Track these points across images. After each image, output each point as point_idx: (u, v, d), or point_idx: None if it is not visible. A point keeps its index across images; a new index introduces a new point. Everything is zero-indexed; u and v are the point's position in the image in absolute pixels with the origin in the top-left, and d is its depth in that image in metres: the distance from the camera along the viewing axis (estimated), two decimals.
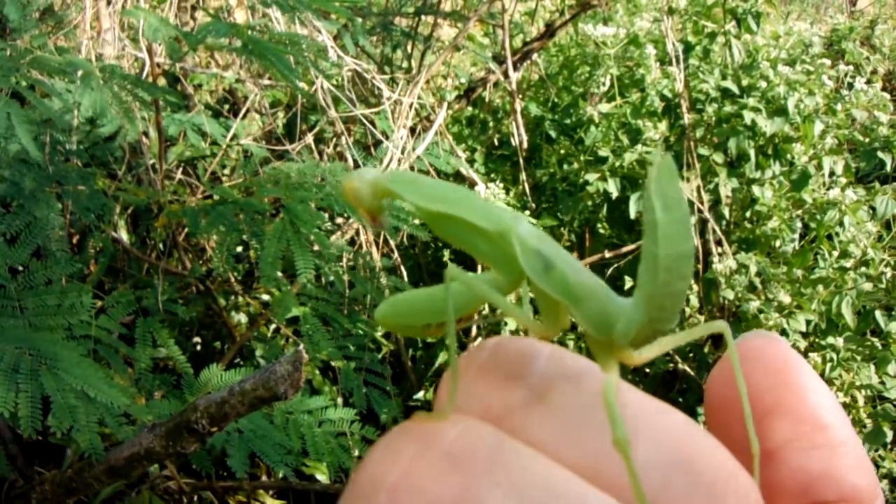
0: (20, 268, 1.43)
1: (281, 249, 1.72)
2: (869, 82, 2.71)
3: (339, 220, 2.16)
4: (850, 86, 2.64)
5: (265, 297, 2.01)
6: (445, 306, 0.33)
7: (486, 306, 0.39)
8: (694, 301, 2.43)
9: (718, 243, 2.44)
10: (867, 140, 2.60)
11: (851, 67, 2.76)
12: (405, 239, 2.33)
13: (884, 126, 2.53)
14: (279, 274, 1.95)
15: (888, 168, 2.51)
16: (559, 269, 0.32)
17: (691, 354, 2.48)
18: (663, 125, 2.53)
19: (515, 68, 2.48)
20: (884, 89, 3.40)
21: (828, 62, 2.67)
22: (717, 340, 2.48)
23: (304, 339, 1.90)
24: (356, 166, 2.14)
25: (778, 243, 2.42)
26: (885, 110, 2.70)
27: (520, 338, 0.32)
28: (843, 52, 2.88)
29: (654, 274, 0.29)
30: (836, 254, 2.27)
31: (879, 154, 2.53)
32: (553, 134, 2.69)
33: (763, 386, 0.29)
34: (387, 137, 2.17)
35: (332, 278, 2.03)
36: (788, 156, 2.52)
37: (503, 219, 0.33)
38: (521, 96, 2.64)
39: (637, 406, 0.27)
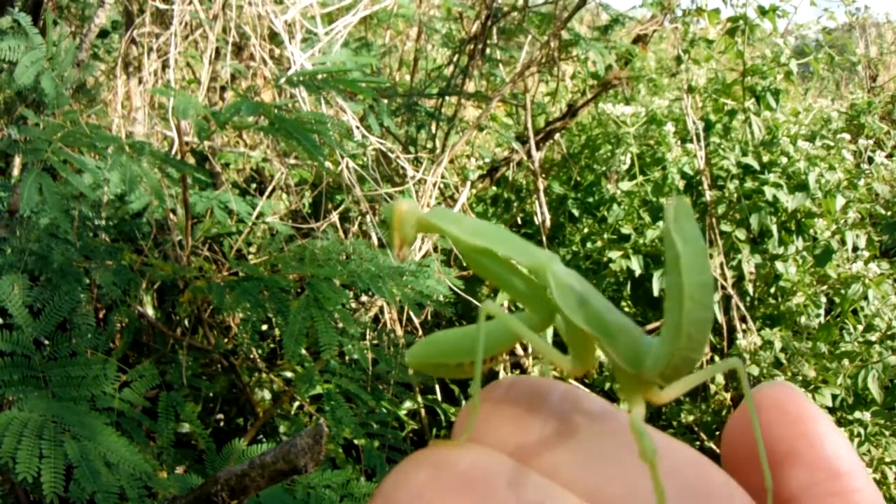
0: (45, 340, 1.43)
1: (305, 326, 1.71)
2: (890, 156, 2.70)
3: (364, 298, 2.15)
4: (871, 160, 2.63)
5: (289, 373, 2.00)
6: (473, 345, 0.34)
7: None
8: (719, 379, 2.39)
9: (742, 319, 2.40)
10: (889, 213, 2.58)
11: (871, 142, 2.75)
12: (429, 317, 2.31)
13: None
14: (303, 351, 1.94)
15: None
16: (592, 306, 0.33)
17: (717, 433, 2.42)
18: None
19: (538, 148, 2.50)
20: None
21: (848, 137, 2.67)
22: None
23: (327, 415, 1.88)
24: (381, 246, 2.15)
25: (803, 319, 2.38)
26: None
27: (535, 377, 0.33)
28: (862, 127, 2.88)
29: (680, 304, 0.30)
30: (860, 328, 2.23)
31: None
32: (576, 212, 2.69)
33: (779, 435, 0.30)
34: None
35: (355, 356, 2.02)
36: (811, 231, 2.51)
37: (538, 256, 0.34)
38: (543, 175, 2.65)
39: (655, 436, 0.27)
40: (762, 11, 2.63)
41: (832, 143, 2.66)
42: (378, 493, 0.26)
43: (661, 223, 2.48)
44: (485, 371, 0.34)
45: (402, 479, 0.26)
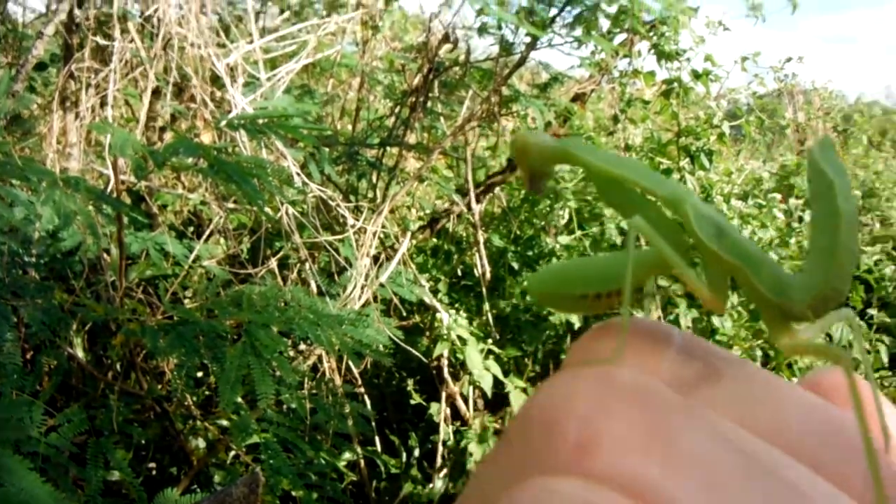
0: None
1: (241, 374, 1.68)
2: None
3: (302, 346, 2.12)
4: (801, 219, 2.70)
5: (224, 422, 1.94)
6: (616, 270, 0.33)
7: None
8: None
9: None
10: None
11: (801, 201, 2.83)
12: (369, 366, 2.29)
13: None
14: (239, 399, 1.89)
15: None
16: (733, 237, 0.32)
17: None
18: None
19: (478, 201, 2.51)
20: None
21: (778, 197, 2.74)
22: None
23: (264, 465, 1.83)
24: (319, 293, 2.13)
25: None
26: None
27: (647, 319, 0.31)
28: (792, 187, 2.96)
29: (835, 232, 0.29)
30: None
31: None
32: (516, 265, 2.70)
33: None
34: (350, 265, 2.16)
35: (293, 405, 1.98)
36: None
37: (676, 187, 0.33)
38: (483, 228, 2.67)
39: (777, 380, 0.27)
40: (696, 75, 2.71)
41: (764, 203, 2.73)
42: (537, 406, 0.25)
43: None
44: (613, 306, 0.34)
45: (567, 391, 0.24)
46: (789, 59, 3.41)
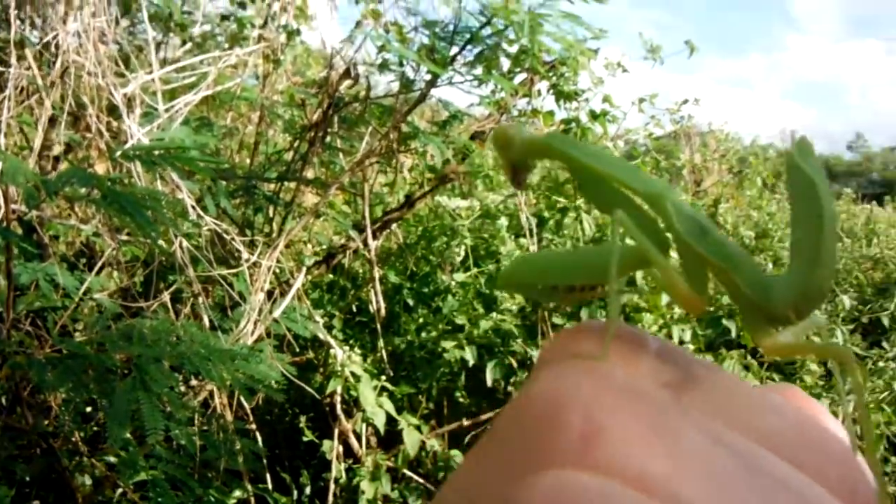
0: None
1: (130, 409, 1.72)
2: None
3: (194, 381, 2.18)
4: None
5: (112, 458, 1.98)
6: (593, 265, 0.35)
7: None
8: None
9: None
10: (713, 309, 2.84)
11: None
12: (261, 402, 2.35)
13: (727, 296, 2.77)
14: (128, 434, 1.94)
15: (733, 335, 2.74)
16: (715, 235, 0.33)
17: None
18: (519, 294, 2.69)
19: (375, 237, 2.62)
20: None
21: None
22: None
23: (151, 503, 1.88)
24: (212, 328, 2.19)
25: None
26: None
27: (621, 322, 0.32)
28: None
29: (820, 232, 0.30)
30: None
31: (724, 322, 2.77)
32: (411, 302, 2.81)
33: None
34: (244, 299, 2.23)
35: (183, 441, 2.02)
36: (639, 325, 2.71)
37: (658, 184, 0.34)
38: (379, 264, 2.77)
39: (759, 395, 0.29)
40: (593, 116, 2.87)
41: None
42: (538, 393, 0.26)
43: (493, 314, 2.63)
44: (592, 298, 0.36)
45: (569, 382, 0.26)
46: (685, 102, 3.64)
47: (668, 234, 0.34)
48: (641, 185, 0.34)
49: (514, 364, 2.63)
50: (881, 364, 2.94)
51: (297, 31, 2.34)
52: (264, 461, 2.30)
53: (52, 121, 1.97)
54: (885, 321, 3.80)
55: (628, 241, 0.33)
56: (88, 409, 2.06)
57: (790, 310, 0.32)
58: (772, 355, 0.33)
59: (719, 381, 0.29)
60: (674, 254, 0.35)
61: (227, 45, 2.30)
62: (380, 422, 2.36)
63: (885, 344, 3.61)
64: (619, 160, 0.36)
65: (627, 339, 0.30)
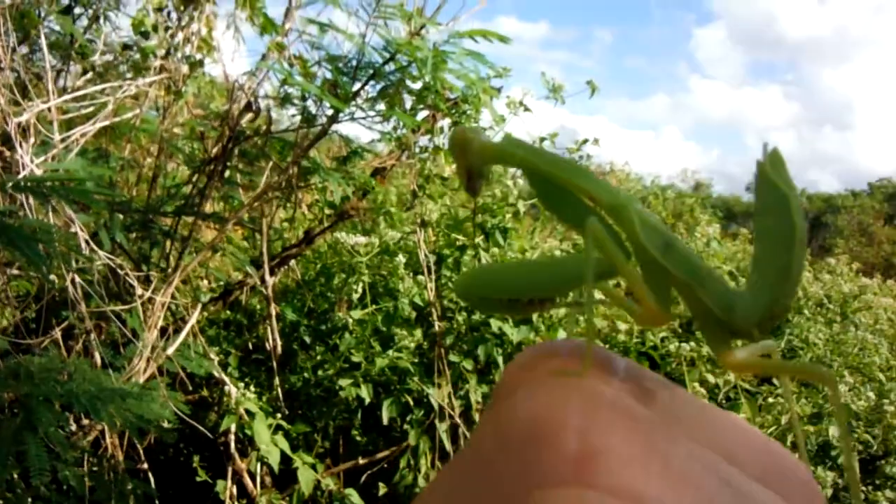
0: None
1: (15, 449, 1.74)
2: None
3: (85, 421, 2.19)
4: None
5: None
6: (552, 277, 0.36)
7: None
8: None
9: None
10: (607, 346, 2.98)
11: None
12: (153, 441, 2.38)
13: (622, 333, 2.92)
14: (14, 475, 1.95)
15: None
16: (679, 248, 0.34)
17: None
18: (418, 332, 2.79)
19: (273, 273, 2.67)
20: None
21: None
22: None
23: None
24: (104, 366, 2.21)
25: None
26: (623, 319, 3.11)
27: (583, 341, 0.32)
28: None
29: (790, 247, 0.31)
30: None
31: None
32: (308, 340, 2.87)
33: None
34: (137, 336, 2.25)
35: (72, 482, 2.03)
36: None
37: (622, 195, 0.35)
38: (277, 301, 2.82)
39: (723, 416, 0.30)
40: None
41: None
42: (524, 420, 0.27)
43: (390, 352, 2.72)
44: (548, 309, 0.39)
45: (555, 404, 0.27)
46: (585, 141, 3.80)
47: (630, 246, 0.34)
48: (606, 194, 0.34)
49: (411, 402, 2.71)
50: (770, 400, 3.11)
51: (200, 63, 2.39)
52: (156, 502, 2.32)
53: None
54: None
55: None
56: None
57: (754, 325, 0.32)
58: (735, 371, 0.34)
59: (686, 400, 0.30)
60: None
61: (129, 76, 2.34)
62: (274, 461, 2.40)
63: (774, 380, 3.83)
64: (580, 168, 0.36)
65: (596, 358, 0.31)
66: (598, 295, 0.34)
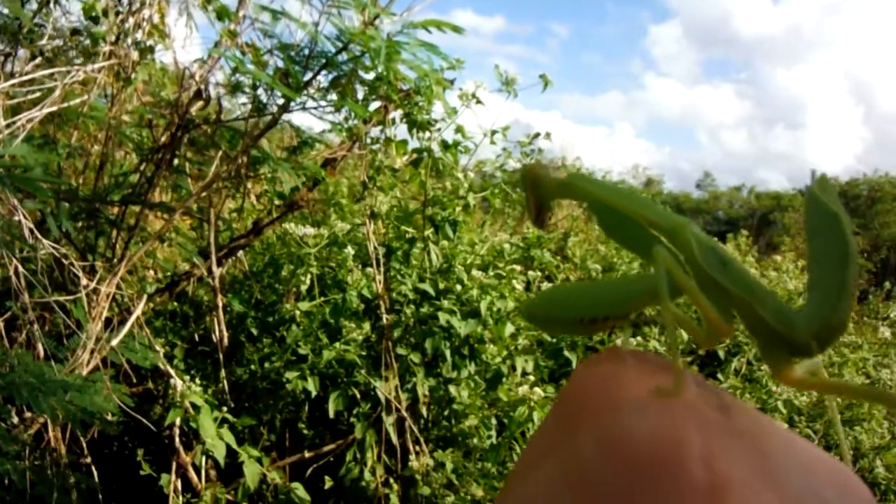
0: None
1: None
2: None
3: (28, 414, 2.18)
4: (540, 289, 3.06)
5: None
6: (616, 296, 0.37)
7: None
8: (394, 500, 2.64)
9: (416, 442, 2.68)
10: (555, 340, 3.02)
11: (541, 273, 3.20)
12: (97, 435, 2.37)
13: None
14: None
15: (574, 366, 2.92)
16: (735, 267, 0.35)
17: None
18: (366, 325, 2.80)
19: (220, 264, 2.67)
20: None
21: (519, 268, 3.09)
22: None
23: None
24: (47, 357, 2.20)
25: (475, 440, 2.69)
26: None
27: (644, 351, 0.34)
28: (533, 259, 3.32)
29: (845, 265, 0.32)
30: None
31: (566, 353, 2.96)
32: (255, 331, 2.87)
33: None
34: (81, 328, 2.24)
35: (14, 476, 2.02)
36: (483, 356, 2.85)
37: (676, 218, 0.36)
38: (224, 292, 2.82)
39: (788, 437, 0.30)
40: (445, 146, 3.01)
41: (504, 274, 3.06)
42: (640, 441, 0.27)
43: (338, 344, 2.72)
44: (612, 327, 0.38)
45: (672, 428, 0.27)
46: (537, 135, 3.83)
47: (688, 267, 0.35)
48: (663, 219, 0.36)
49: (358, 395, 2.72)
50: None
51: (151, 49, 2.37)
52: (99, 496, 2.32)
53: None
54: (721, 354, 4.11)
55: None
56: None
57: (813, 341, 0.33)
58: (794, 387, 0.35)
59: (756, 417, 0.31)
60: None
61: (78, 61, 2.31)
62: (220, 454, 2.40)
63: (719, 375, 3.91)
64: (637, 195, 0.38)
65: (660, 366, 0.32)
66: (670, 312, 0.34)
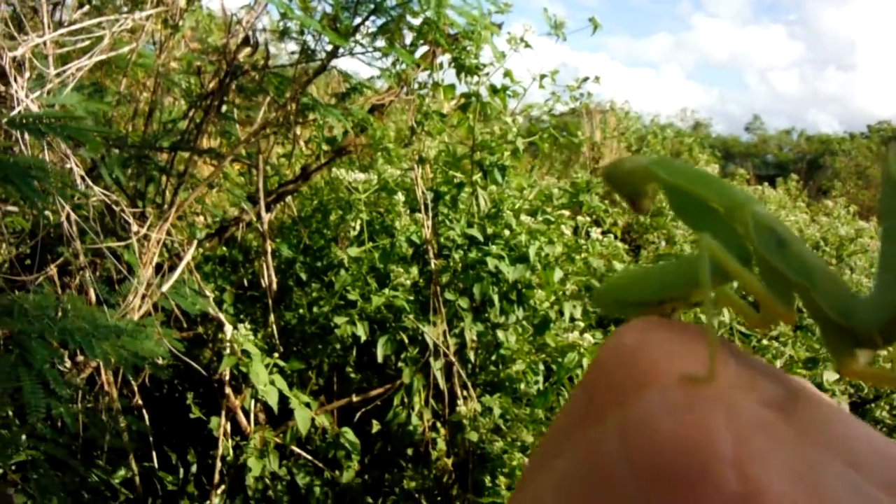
0: None
1: (10, 386, 1.75)
2: (605, 233, 3.12)
3: (81, 358, 2.20)
4: (588, 235, 3.02)
5: None
6: (683, 280, 0.35)
7: None
8: (441, 444, 2.64)
9: (464, 387, 2.67)
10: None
11: (590, 218, 3.15)
12: (148, 379, 2.39)
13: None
14: (9, 412, 1.96)
15: None
16: (794, 248, 0.32)
17: None
18: (414, 270, 2.78)
19: (269, 209, 2.66)
20: (623, 240, 3.88)
21: (567, 213, 3.05)
22: None
23: (31, 485, 1.90)
24: (99, 303, 2.21)
25: (522, 385, 2.67)
26: (619, 259, 3.12)
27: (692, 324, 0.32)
28: (582, 204, 3.28)
29: None
30: None
31: None
32: (304, 277, 2.86)
33: None
34: (133, 273, 2.25)
35: (67, 419, 2.04)
36: (531, 301, 2.83)
37: (737, 197, 0.34)
38: (273, 237, 2.82)
39: (861, 430, 0.28)
40: (493, 90, 2.97)
41: (553, 219, 3.02)
42: (667, 439, 0.25)
43: (386, 290, 2.71)
44: (680, 308, 0.36)
45: (704, 423, 0.25)
46: (586, 79, 3.76)
47: (749, 247, 0.34)
48: (722, 198, 0.34)
49: (406, 340, 2.72)
50: (764, 342, 3.11)
51: None
52: (150, 439, 2.34)
53: None
54: None
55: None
56: None
57: (877, 332, 0.30)
58: (858, 379, 0.32)
59: (821, 406, 0.28)
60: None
61: (126, 9, 2.29)
62: (272, 400, 2.41)
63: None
64: (705, 175, 0.36)
65: (721, 345, 0.29)
66: (709, 301, 0.31)
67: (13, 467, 1.97)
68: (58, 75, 2.07)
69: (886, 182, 0.30)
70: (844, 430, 0.27)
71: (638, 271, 0.41)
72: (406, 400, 2.71)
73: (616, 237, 3.32)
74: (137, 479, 2.32)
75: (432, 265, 2.77)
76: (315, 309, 2.77)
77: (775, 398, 0.27)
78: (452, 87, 2.95)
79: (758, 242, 0.32)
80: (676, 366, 0.28)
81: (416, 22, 2.59)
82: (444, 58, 2.86)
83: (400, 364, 2.76)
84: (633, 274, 0.40)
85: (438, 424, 2.69)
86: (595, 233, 3.03)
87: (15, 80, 1.97)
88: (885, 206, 0.30)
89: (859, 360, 0.31)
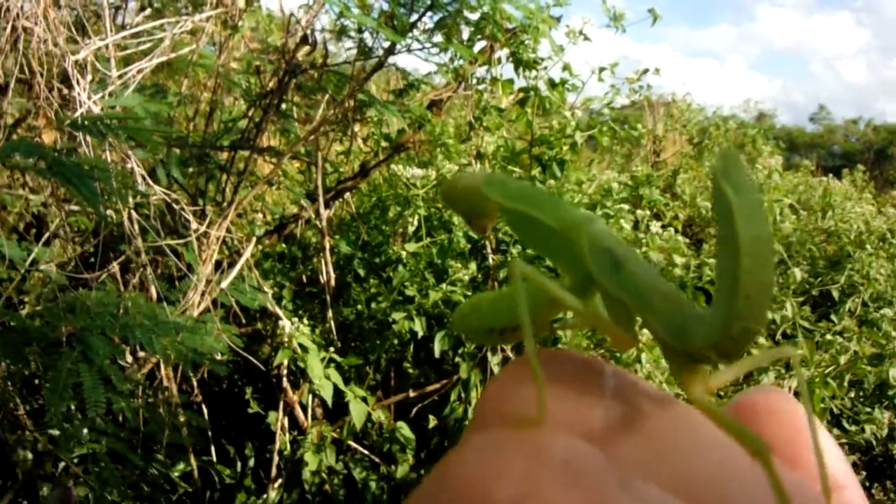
0: None
1: (71, 381, 1.77)
2: (665, 227, 3.07)
3: (141, 354, 2.22)
4: (648, 228, 2.97)
5: (56, 431, 2.03)
6: (515, 308, 0.33)
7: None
8: None
9: None
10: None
11: (650, 212, 3.10)
12: (206, 375, 2.41)
13: (678, 267, 2.87)
14: (72, 407, 1.98)
15: None
16: (630, 270, 0.31)
17: None
18: (472, 265, 2.76)
19: (328, 206, 2.66)
20: (685, 234, 3.81)
21: (626, 207, 3.01)
22: None
23: (92, 478, 1.93)
24: (159, 300, 2.23)
25: None
26: (680, 253, 3.07)
27: (574, 352, 0.31)
28: (642, 198, 3.23)
29: (736, 261, 0.27)
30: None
31: None
32: (362, 272, 2.86)
33: (780, 443, 0.29)
34: (192, 270, 2.27)
35: (128, 414, 2.07)
36: None
37: (575, 218, 0.33)
38: (331, 234, 2.82)
39: (710, 457, 0.27)
40: (551, 84, 2.93)
41: (612, 213, 2.98)
42: (462, 477, 0.24)
43: (444, 285, 2.70)
44: (519, 339, 0.33)
45: (497, 466, 0.23)
46: (646, 71, 3.70)
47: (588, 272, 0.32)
48: (558, 219, 0.33)
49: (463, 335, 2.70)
50: (828, 337, 3.05)
51: None
52: (209, 433, 2.36)
53: (4, 89, 1.98)
54: (835, 294, 3.94)
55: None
56: (37, 381, 2.10)
57: (712, 351, 0.28)
58: (696, 401, 0.29)
59: (676, 426, 0.27)
60: None
61: (186, 11, 2.31)
62: (327, 394, 2.41)
63: (833, 317, 3.75)
64: (542, 198, 0.34)
65: (579, 374, 0.28)
66: (528, 329, 0.30)
67: (75, 460, 2.00)
68: (119, 77, 2.09)
69: (713, 188, 0.29)
70: (684, 459, 0.26)
71: (486, 297, 0.37)
72: (463, 395, 2.70)
73: (676, 231, 3.26)
74: (196, 472, 2.34)
75: (490, 260, 2.75)
76: (373, 305, 2.77)
77: (605, 430, 0.27)
78: (510, 81, 2.92)
79: (592, 264, 0.31)
80: (517, 405, 0.27)
81: (474, 17, 2.57)
82: (502, 52, 2.83)
83: (457, 359, 2.75)
84: (481, 301, 0.37)
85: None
86: (655, 226, 2.98)
87: (77, 82, 1.99)
88: (715, 216, 0.29)
89: (706, 381, 0.30)
